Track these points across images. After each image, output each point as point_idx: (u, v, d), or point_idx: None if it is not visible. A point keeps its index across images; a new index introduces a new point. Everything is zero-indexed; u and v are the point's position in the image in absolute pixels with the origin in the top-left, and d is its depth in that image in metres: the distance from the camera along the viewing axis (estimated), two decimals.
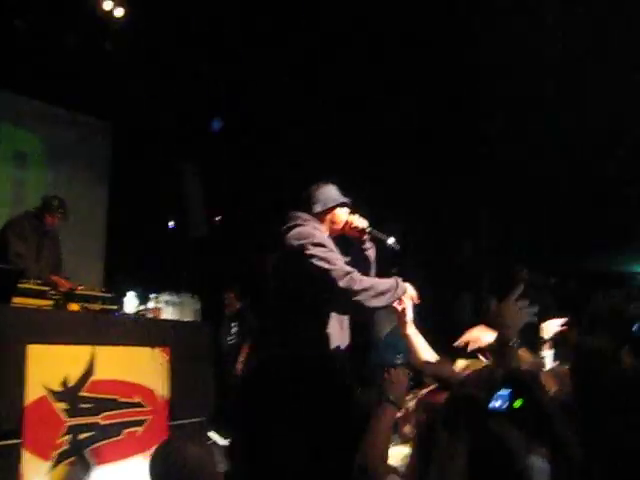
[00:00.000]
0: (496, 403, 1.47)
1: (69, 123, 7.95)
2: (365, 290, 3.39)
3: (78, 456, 4.22)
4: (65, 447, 4.14)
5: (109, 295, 5.17)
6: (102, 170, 8.48)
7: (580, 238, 8.17)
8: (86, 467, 4.23)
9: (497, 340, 2.39)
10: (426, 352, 3.20)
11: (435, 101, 6.96)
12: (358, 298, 3.37)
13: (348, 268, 3.42)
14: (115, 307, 5.13)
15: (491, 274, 8.05)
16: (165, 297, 5.59)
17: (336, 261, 3.44)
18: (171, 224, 8.37)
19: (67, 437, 4.17)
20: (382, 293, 3.47)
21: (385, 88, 6.94)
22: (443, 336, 3.42)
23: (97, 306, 4.92)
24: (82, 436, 4.27)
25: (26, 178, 7.70)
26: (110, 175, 8.48)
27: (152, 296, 5.53)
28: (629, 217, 7.59)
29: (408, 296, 3.34)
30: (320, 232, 3.58)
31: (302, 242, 3.50)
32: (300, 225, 3.62)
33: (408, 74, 6.74)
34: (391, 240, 3.71)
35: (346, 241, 3.85)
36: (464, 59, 6.53)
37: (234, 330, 7.45)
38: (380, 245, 3.75)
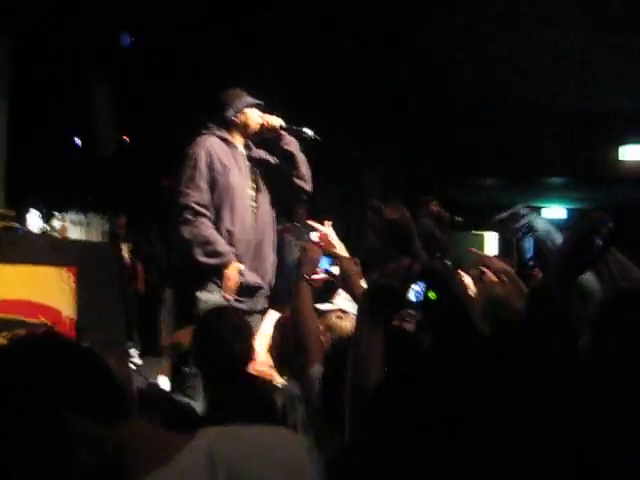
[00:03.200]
0: (412, 294, 1.59)
1: None
2: (191, 226, 3.59)
3: None
4: None
5: (11, 212, 4.97)
6: (1, 85, 8.03)
7: None
8: None
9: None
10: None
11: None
12: (182, 228, 3.48)
13: (195, 201, 3.53)
14: (17, 225, 4.95)
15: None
16: (71, 216, 5.43)
17: (198, 180, 3.56)
18: (78, 141, 8.06)
19: None
20: (206, 249, 3.61)
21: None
22: None
23: None
24: None
25: None
26: (11, 90, 8.05)
27: (57, 215, 5.36)
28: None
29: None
30: (212, 147, 3.58)
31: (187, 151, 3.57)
32: (201, 134, 3.63)
33: None
34: (309, 131, 3.70)
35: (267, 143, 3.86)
36: None
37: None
38: (299, 139, 3.75)
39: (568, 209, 12.81)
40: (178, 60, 7.44)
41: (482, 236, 5.37)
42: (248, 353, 2.58)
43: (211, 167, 3.56)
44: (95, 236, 5.62)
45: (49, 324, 4.66)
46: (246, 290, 3.77)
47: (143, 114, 8.09)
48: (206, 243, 3.57)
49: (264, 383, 2.71)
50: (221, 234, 3.63)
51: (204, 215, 3.54)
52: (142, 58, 7.92)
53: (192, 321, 3.23)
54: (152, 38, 7.82)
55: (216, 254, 3.59)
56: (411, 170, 8.35)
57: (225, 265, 3.59)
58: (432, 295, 1.58)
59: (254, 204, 3.73)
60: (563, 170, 9.64)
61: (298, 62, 7.08)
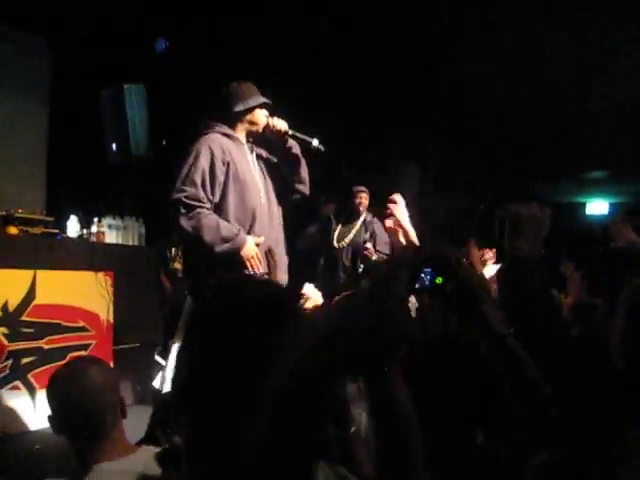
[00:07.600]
0: (420, 281, 1.61)
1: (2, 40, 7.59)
2: (188, 218, 3.20)
3: (21, 380, 4.20)
4: (7, 372, 4.11)
5: (50, 219, 5.06)
6: (41, 91, 8.15)
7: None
8: (30, 391, 4.23)
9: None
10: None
11: None
12: (181, 222, 3.23)
13: (186, 195, 3.21)
14: (57, 231, 5.03)
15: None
16: (108, 221, 5.49)
17: (193, 176, 3.24)
18: (114, 147, 8.14)
19: (9, 362, 4.13)
20: (214, 238, 3.22)
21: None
22: None
23: (38, 230, 4.82)
24: (25, 360, 4.24)
25: None
26: (50, 96, 8.17)
27: (95, 220, 5.43)
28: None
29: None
30: (214, 144, 3.35)
31: (188, 149, 3.40)
32: (204, 133, 3.46)
33: None
34: (315, 141, 3.55)
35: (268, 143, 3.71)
36: None
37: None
38: (304, 147, 3.59)
39: (610, 204, 12.58)
40: (213, 64, 7.47)
41: None
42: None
43: (214, 165, 3.37)
44: (132, 240, 5.68)
45: (87, 327, 4.74)
46: None
47: (181, 118, 8.14)
48: (211, 231, 3.22)
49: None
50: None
51: (199, 207, 3.20)
52: (179, 63, 7.97)
53: None
54: (187, 43, 7.87)
55: (225, 240, 3.23)
56: (458, 167, 8.26)
57: (239, 248, 3.24)
58: (439, 280, 1.59)
59: (264, 200, 3.56)
60: (604, 164, 9.45)
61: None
